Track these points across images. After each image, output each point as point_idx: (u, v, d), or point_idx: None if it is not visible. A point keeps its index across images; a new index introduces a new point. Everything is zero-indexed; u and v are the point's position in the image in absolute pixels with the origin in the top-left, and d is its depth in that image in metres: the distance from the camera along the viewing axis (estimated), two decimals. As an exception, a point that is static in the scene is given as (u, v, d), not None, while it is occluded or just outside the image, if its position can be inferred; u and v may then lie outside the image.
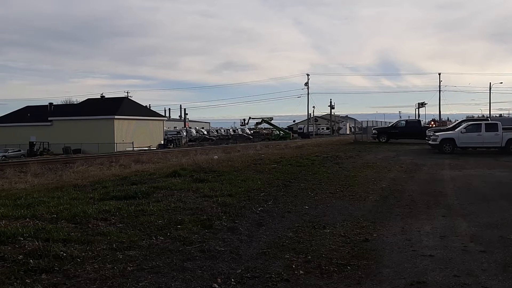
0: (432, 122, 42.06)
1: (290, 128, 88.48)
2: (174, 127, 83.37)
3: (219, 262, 4.90)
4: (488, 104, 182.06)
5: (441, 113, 74.68)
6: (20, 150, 42.83)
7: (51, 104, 60.57)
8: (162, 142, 55.41)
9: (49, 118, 55.01)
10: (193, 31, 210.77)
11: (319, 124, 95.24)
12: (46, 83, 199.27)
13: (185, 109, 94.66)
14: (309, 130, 79.58)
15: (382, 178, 12.41)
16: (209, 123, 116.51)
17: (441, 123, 47.63)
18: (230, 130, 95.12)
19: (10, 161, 29.53)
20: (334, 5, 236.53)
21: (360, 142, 34.96)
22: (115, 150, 43.76)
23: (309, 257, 5.09)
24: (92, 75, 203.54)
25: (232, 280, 4.37)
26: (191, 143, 60.11)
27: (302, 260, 5.00)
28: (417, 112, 71.60)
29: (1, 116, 61.17)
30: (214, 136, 75.54)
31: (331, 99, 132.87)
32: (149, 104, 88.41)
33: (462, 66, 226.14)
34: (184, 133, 68.72)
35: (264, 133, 73.69)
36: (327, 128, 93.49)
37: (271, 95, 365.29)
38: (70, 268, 4.51)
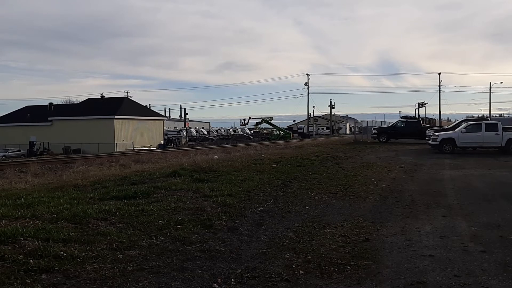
0: None
1: (290, 128, 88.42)
2: (174, 127, 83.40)
3: (219, 262, 4.91)
4: (488, 104, 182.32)
5: (441, 113, 74.73)
6: (20, 150, 42.81)
7: (51, 104, 60.53)
8: (162, 142, 55.41)
9: (49, 118, 55.02)
10: (193, 31, 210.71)
11: (319, 124, 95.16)
12: (46, 83, 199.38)
13: (185, 109, 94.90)
14: (309, 130, 79.48)
15: (382, 178, 12.41)
16: (209, 123, 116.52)
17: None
18: (230, 130, 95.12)
19: (10, 161, 29.50)
20: (334, 5, 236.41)
21: (360, 142, 34.97)
22: (115, 150, 43.74)
23: (309, 257, 5.09)
24: (92, 75, 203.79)
25: (232, 280, 4.37)
26: (191, 143, 60.13)
27: (302, 260, 5.00)
28: (417, 112, 71.44)
29: (1, 116, 61.14)
30: (214, 136, 75.54)
31: (331, 99, 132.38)
32: (149, 104, 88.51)
33: (462, 66, 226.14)
34: (184, 133, 68.75)
35: (264, 133, 73.68)
36: (327, 128, 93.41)
37: (271, 95, 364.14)
38: (70, 268, 4.52)
